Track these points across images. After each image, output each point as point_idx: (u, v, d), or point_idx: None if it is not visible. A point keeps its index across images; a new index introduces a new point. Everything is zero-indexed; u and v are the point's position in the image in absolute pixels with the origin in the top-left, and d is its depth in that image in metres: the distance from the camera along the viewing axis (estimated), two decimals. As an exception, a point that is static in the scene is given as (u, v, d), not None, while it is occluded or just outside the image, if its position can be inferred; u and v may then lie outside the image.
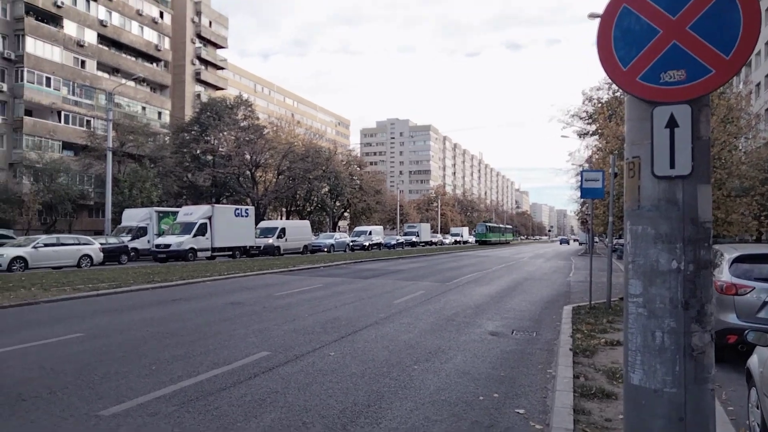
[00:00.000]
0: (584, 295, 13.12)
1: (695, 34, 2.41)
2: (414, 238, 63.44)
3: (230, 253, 31.76)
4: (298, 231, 40.20)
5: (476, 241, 77.89)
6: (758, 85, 39.43)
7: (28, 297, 12.34)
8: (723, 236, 18.56)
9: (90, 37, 48.61)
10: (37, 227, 40.67)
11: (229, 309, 11.26)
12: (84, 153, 44.78)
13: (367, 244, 49.71)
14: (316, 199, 62.80)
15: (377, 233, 54.50)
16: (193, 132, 51.78)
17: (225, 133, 51.38)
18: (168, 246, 28.23)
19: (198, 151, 51.39)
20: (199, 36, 65.58)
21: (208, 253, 30.13)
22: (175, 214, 33.43)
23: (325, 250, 41.79)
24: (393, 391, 5.60)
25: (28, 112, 43.85)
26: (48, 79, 44.45)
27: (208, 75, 66.56)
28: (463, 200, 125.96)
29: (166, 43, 57.72)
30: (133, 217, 33.14)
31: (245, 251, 33.11)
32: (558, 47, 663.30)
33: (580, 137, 35.06)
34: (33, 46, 43.36)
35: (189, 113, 58.04)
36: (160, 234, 30.97)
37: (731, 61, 2.37)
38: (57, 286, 14.40)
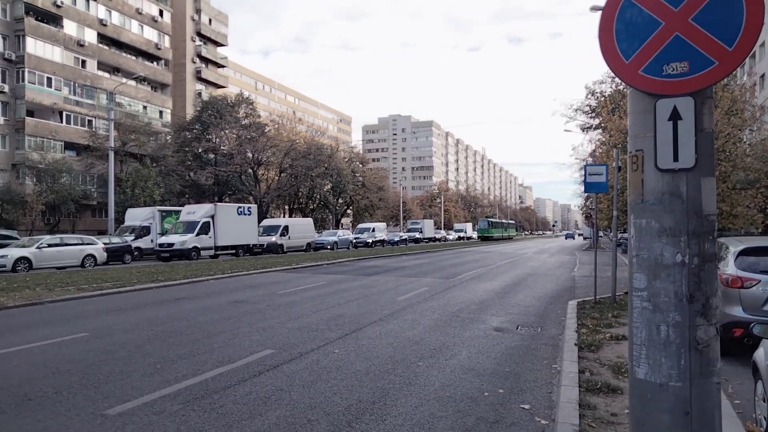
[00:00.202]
0: (589, 290, 13.11)
1: (698, 26, 2.39)
2: (417, 235, 63.42)
3: (233, 251, 31.79)
4: (301, 229, 40.23)
5: (478, 237, 77.84)
6: (762, 76, 39.20)
7: (33, 297, 12.39)
8: (728, 229, 18.46)
9: (90, 36, 48.64)
10: (41, 228, 40.84)
11: (232, 307, 11.28)
12: (86, 153, 44.87)
13: (370, 241, 49.70)
14: (318, 196, 62.79)
15: (380, 230, 54.48)
16: (194, 130, 51.81)
17: (226, 131, 51.37)
18: (171, 245, 28.29)
19: (200, 150, 51.41)
20: (199, 34, 65.54)
21: (212, 252, 30.17)
22: (177, 213, 33.45)
23: (329, 247, 41.85)
24: (398, 387, 5.60)
25: (30, 113, 43.94)
26: (49, 80, 44.52)
27: (208, 73, 66.55)
28: (467, 196, 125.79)
29: (167, 42, 57.72)
30: (136, 216, 33.21)
31: (248, 249, 33.15)
32: (560, 41, 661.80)
33: (583, 131, 34.93)
34: (33, 46, 43.41)
35: (190, 112, 58.06)
36: (164, 233, 31.01)
37: (734, 53, 2.34)
38: (61, 287, 14.46)
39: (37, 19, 44.03)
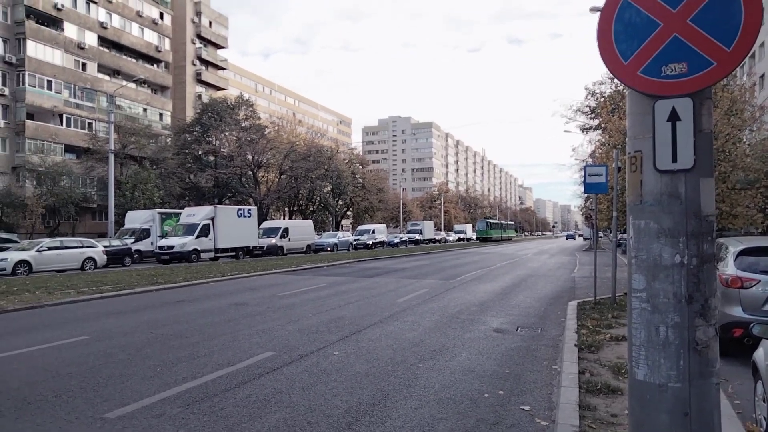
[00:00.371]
0: (589, 291, 13.11)
1: (696, 27, 2.39)
2: (417, 236, 63.46)
3: (233, 253, 31.78)
4: (301, 230, 40.23)
5: (477, 239, 77.80)
6: (762, 76, 39.20)
7: (33, 300, 12.38)
8: (728, 229, 18.47)
9: (90, 39, 48.68)
10: (41, 231, 40.81)
11: (232, 310, 11.28)
12: (86, 156, 44.89)
13: (370, 242, 49.72)
14: (318, 198, 62.78)
15: (380, 232, 54.50)
16: (194, 133, 51.83)
17: (226, 133, 51.41)
18: (171, 247, 28.27)
19: (200, 152, 51.44)
20: (200, 36, 65.62)
21: (212, 254, 30.16)
22: (177, 215, 33.45)
23: (329, 249, 41.85)
24: (398, 389, 5.59)
25: (30, 116, 43.96)
26: (49, 83, 44.54)
27: (208, 75, 66.60)
28: (467, 197, 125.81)
29: (167, 44, 57.77)
30: (136, 219, 33.21)
31: (248, 252, 33.15)
32: (561, 41, 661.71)
33: (583, 132, 34.99)
34: (34, 49, 43.44)
35: (190, 114, 58.11)
36: (164, 236, 30.99)
37: (733, 54, 2.34)
38: (61, 290, 14.45)
39: (37, 22, 44.08)
